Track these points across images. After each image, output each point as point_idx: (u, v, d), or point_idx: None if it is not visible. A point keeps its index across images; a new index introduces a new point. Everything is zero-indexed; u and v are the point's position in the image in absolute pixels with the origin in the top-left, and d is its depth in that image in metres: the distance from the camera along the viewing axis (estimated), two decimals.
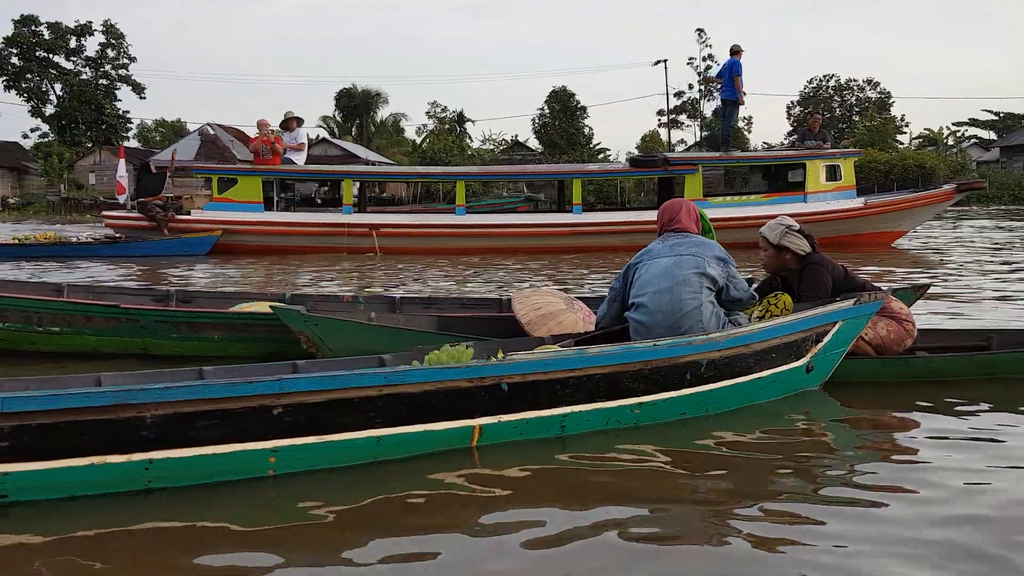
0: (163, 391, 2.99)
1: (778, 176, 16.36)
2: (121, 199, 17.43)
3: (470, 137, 61.76)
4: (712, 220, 4.93)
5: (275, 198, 16.14)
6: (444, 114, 64.08)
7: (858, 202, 15.59)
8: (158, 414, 3.00)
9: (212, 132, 52.69)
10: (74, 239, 15.45)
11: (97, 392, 2.93)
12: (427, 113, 65.77)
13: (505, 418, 3.41)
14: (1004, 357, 4.47)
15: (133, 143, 62.18)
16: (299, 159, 16.19)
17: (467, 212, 16.01)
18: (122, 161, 17.70)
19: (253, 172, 15.81)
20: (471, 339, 4.31)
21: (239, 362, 4.91)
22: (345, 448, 3.21)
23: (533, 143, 58.73)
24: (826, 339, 4.24)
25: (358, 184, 17.60)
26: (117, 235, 15.67)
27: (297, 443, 3.15)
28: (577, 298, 5.19)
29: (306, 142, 16.83)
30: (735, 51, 15.89)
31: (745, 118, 64.57)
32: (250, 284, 10.24)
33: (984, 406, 4.08)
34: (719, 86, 15.97)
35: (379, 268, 12.65)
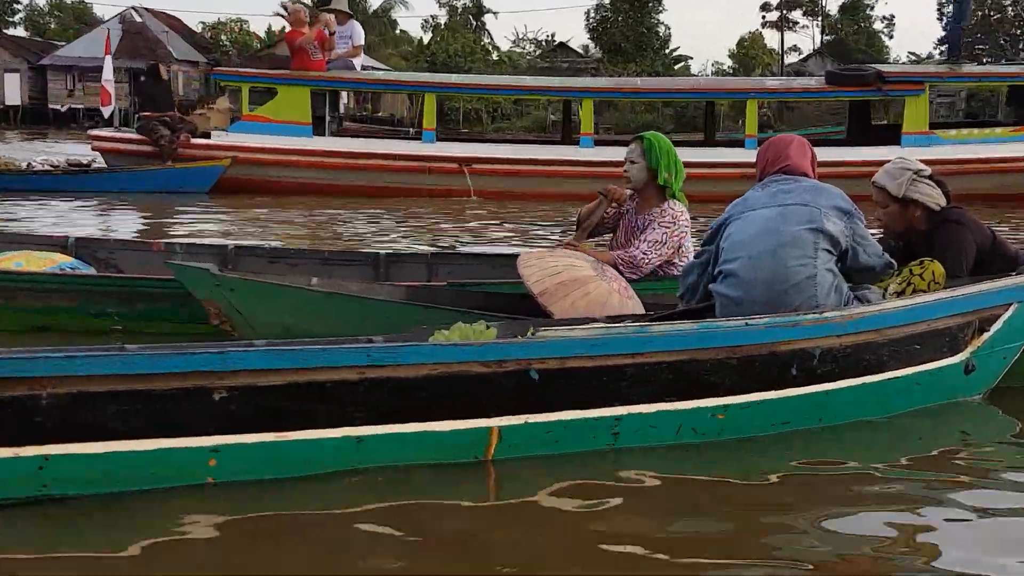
0: (64, 362, 2.97)
1: None
2: (107, 111, 16.59)
3: (489, 35, 59.26)
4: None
5: (327, 118, 15.39)
6: (457, 1, 61.63)
7: None
8: (57, 393, 2.96)
9: (139, 19, 52.27)
10: (36, 165, 15.04)
11: None
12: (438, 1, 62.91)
13: (534, 419, 3.35)
14: None
15: (20, 31, 60.79)
16: (357, 64, 15.61)
17: (596, 144, 15.17)
18: (108, 59, 16.77)
19: (301, 81, 14.88)
20: (485, 316, 4.19)
21: None
22: (312, 451, 3.16)
23: (578, 44, 57.12)
24: (995, 328, 4.10)
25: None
26: (85, 162, 15.26)
27: (247, 441, 3.11)
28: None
29: (363, 43, 16.25)
30: None
31: (885, 16, 61.58)
32: (281, 237, 10.19)
33: None
34: None
35: (479, 217, 12.42)
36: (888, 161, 4.68)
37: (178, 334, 4.89)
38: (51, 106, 54.98)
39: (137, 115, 15.10)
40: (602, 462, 3.39)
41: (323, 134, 15.22)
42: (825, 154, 15.71)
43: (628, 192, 5.30)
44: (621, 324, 3.71)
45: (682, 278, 4.30)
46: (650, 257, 5.03)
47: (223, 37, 58.44)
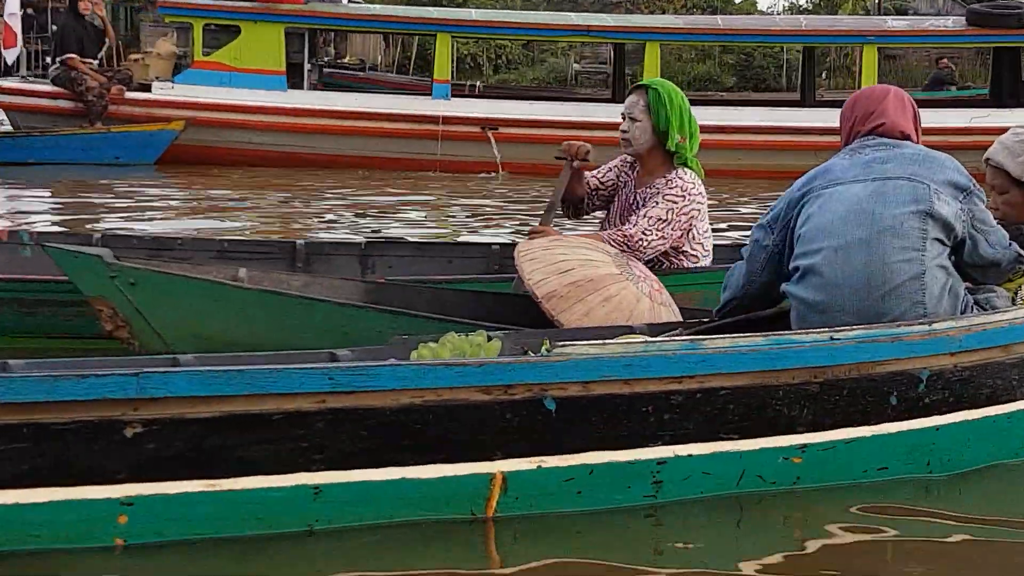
0: None
1: None
2: (10, 55, 14.71)
3: None
4: None
5: (305, 67, 14.04)
6: None
7: None
8: None
9: None
10: None
11: None
12: None
13: (550, 462, 3.00)
14: None
15: None
16: None
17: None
18: None
19: (273, 16, 13.46)
20: (473, 325, 3.75)
21: None
22: (254, 505, 2.81)
23: None
24: None
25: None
26: None
27: (168, 491, 2.75)
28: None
29: None
30: None
31: None
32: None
33: None
34: None
35: (508, 199, 11.48)
36: None
37: (48, 350, 4.38)
38: None
39: (56, 60, 13.40)
40: (639, 521, 3.07)
41: (301, 87, 13.81)
42: (958, 118, 13.33)
43: (619, 157, 4.76)
44: (665, 337, 3.36)
45: (729, 276, 3.88)
46: (650, 238, 4.45)
47: None
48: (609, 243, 4.43)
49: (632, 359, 3.04)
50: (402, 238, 8.22)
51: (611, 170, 4.82)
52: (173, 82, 13.44)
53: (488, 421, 2.94)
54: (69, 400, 2.66)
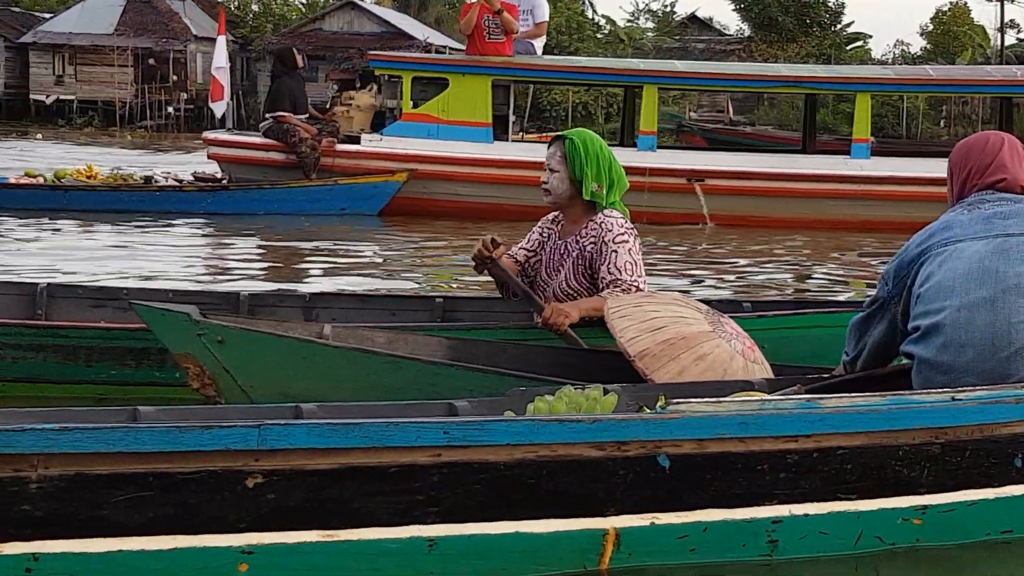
0: (57, 435, 2.64)
1: None
2: (218, 109, 14.90)
3: (590, 6, 52.38)
4: None
5: (510, 118, 13.91)
6: None
7: None
8: (49, 475, 2.65)
9: None
10: (159, 179, 13.47)
11: None
12: None
13: (663, 519, 2.96)
14: None
15: None
16: (538, 47, 14.11)
17: (872, 154, 13.35)
18: (221, 40, 15.14)
19: (480, 69, 13.24)
20: (563, 382, 3.61)
21: None
22: (371, 555, 2.80)
23: (720, 17, 53.70)
24: None
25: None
26: (219, 176, 13.69)
27: (287, 540, 2.75)
28: (721, 311, 4.29)
29: (547, 19, 14.72)
30: None
31: None
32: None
33: None
34: None
35: (716, 254, 11.28)
36: None
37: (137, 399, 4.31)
38: (33, 96, 47.05)
39: (266, 115, 13.68)
40: None
41: (505, 138, 13.65)
42: None
43: (540, 220, 4.67)
44: (782, 395, 3.32)
45: (848, 336, 3.73)
46: (638, 283, 4.33)
47: (253, 7, 52.07)
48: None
49: (747, 417, 2.99)
50: (344, 290, 7.77)
51: (534, 233, 4.69)
52: (381, 134, 13.43)
53: (601, 477, 2.91)
54: (193, 451, 2.69)
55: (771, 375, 3.89)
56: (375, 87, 15.14)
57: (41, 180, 12.84)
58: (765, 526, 3.00)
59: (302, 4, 54.16)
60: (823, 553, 3.05)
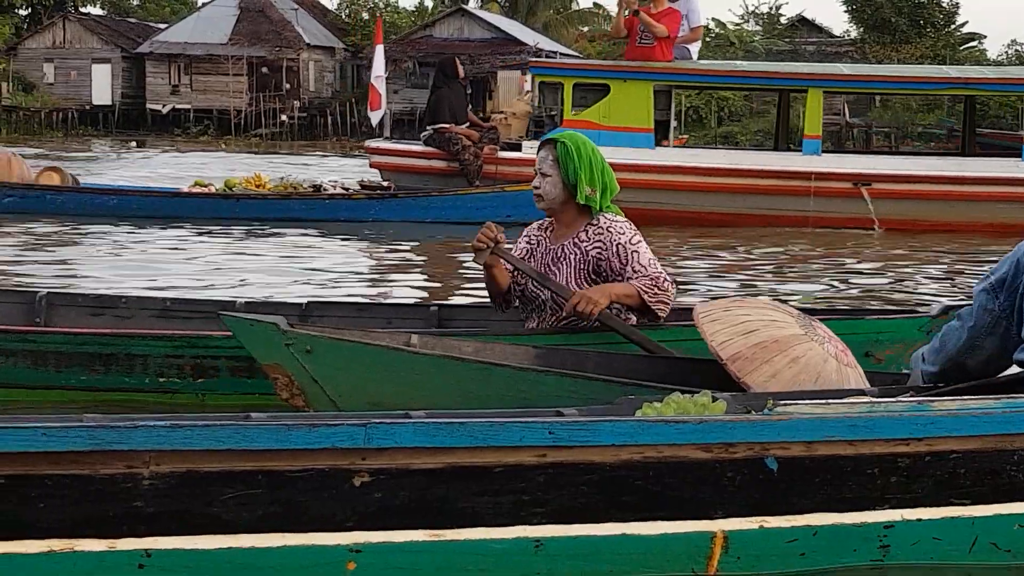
0: (169, 432, 2.69)
1: None
2: (375, 117, 14.91)
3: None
4: None
5: (671, 123, 13.87)
6: None
7: None
8: (160, 472, 2.70)
9: None
10: (327, 187, 13.41)
11: (63, 429, 2.65)
12: None
13: (772, 523, 2.89)
14: None
15: (96, 9, 52.72)
16: (694, 52, 14.07)
17: None
18: (379, 49, 14.97)
19: (640, 74, 13.15)
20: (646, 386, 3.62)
21: None
22: (478, 555, 2.77)
23: (823, 19, 52.23)
24: None
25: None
26: (385, 183, 13.70)
27: (394, 539, 2.73)
28: (812, 313, 4.22)
29: (704, 23, 14.80)
30: None
31: None
32: None
33: None
34: None
35: (885, 258, 11.12)
36: None
37: (222, 406, 4.39)
38: (149, 106, 47.89)
39: (427, 126, 13.72)
40: None
41: (667, 144, 13.53)
42: None
43: (526, 229, 4.59)
44: (891, 399, 3.26)
45: (945, 337, 3.61)
46: (662, 276, 4.27)
47: (364, 14, 51.23)
48: (642, 288, 4.24)
49: (857, 420, 2.95)
50: (341, 299, 7.64)
51: (520, 242, 4.60)
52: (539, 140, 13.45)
53: (709, 479, 2.89)
54: (301, 449, 2.71)
55: (864, 379, 3.81)
56: (530, 93, 15.09)
57: (212, 189, 13.07)
58: (877, 531, 2.94)
59: (412, 11, 54.20)
60: (937, 560, 2.98)
